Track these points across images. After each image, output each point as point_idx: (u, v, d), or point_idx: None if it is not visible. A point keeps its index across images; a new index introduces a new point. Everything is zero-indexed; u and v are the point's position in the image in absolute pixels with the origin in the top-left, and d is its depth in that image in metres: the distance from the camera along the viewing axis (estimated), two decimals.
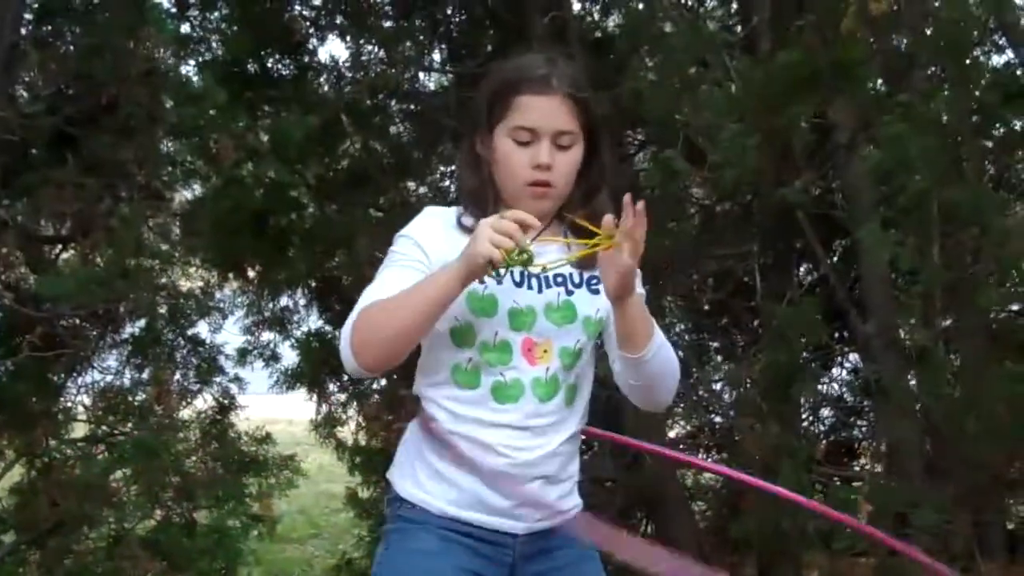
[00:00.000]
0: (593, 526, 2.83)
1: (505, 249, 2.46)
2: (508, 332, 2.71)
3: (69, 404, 6.47)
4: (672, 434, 7.40)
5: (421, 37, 7.06)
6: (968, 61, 5.85)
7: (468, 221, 2.76)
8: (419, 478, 2.81)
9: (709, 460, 7.36)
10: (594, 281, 2.74)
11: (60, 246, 6.71)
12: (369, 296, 2.66)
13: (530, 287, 2.74)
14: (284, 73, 6.84)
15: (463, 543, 2.78)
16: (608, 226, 2.51)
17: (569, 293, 2.73)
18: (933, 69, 6.28)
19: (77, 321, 6.16)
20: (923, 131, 5.30)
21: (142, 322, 6.46)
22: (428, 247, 2.74)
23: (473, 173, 2.83)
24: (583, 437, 2.99)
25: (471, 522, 2.77)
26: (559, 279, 2.73)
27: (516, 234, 2.47)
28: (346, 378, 7.24)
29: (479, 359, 2.73)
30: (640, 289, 2.80)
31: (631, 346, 2.65)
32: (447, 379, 2.77)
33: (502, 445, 2.73)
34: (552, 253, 2.71)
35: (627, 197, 2.51)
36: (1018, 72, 6.13)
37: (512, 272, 2.66)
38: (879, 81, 6.10)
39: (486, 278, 2.58)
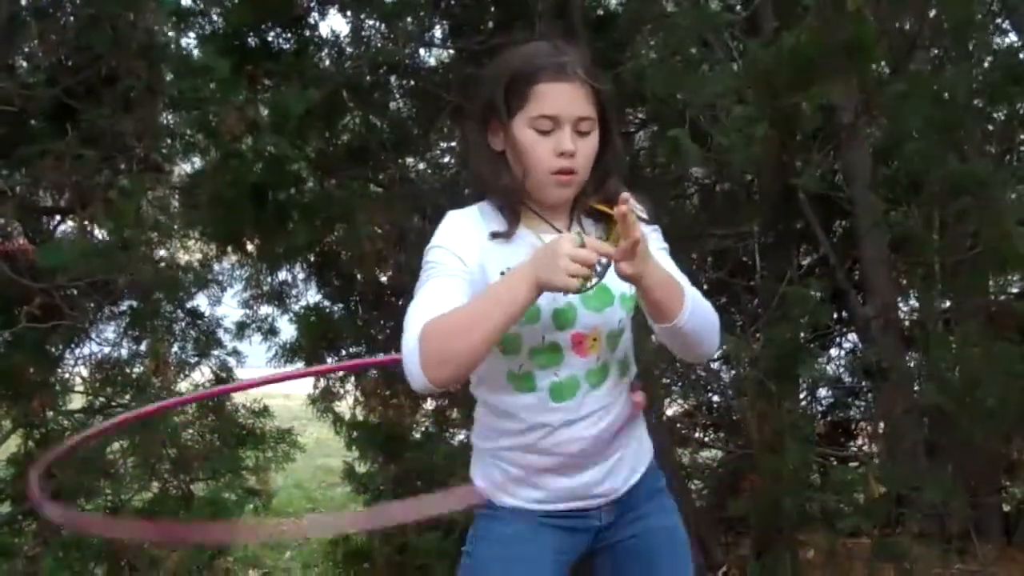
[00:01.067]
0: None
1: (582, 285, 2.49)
2: (554, 333, 2.74)
3: (67, 375, 6.47)
4: (670, 412, 7.40)
5: (422, 12, 7.02)
6: (972, 42, 5.84)
7: (503, 227, 2.78)
8: (506, 487, 2.89)
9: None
10: None
11: (59, 217, 6.70)
12: (422, 310, 2.64)
13: None
14: (285, 47, 6.80)
15: (553, 524, 2.88)
16: (623, 200, 2.48)
17: (600, 276, 2.73)
18: (936, 51, 6.28)
19: (75, 292, 6.15)
20: (925, 100, 5.30)
21: (140, 294, 6.46)
22: (464, 254, 2.74)
23: (498, 170, 2.81)
24: None
25: (560, 510, 2.88)
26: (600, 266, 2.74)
27: (592, 264, 2.48)
28: (344, 353, 7.24)
29: (530, 363, 2.75)
30: (663, 244, 2.86)
31: (661, 318, 2.65)
32: (504, 385, 2.82)
33: (570, 439, 2.80)
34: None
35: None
36: (1021, 55, 6.12)
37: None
38: (883, 63, 6.08)
39: None
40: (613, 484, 2.89)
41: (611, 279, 2.67)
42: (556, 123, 2.70)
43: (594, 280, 2.55)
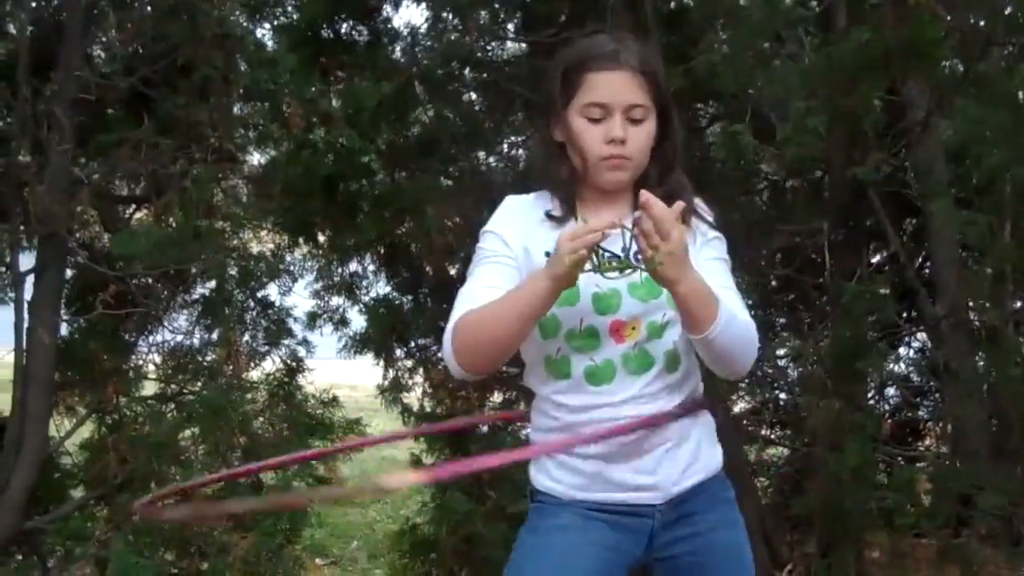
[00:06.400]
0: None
1: (603, 261, 2.54)
2: (594, 317, 2.74)
3: (140, 362, 6.54)
4: (736, 409, 7.39)
5: (496, 5, 7.04)
6: None
7: (559, 212, 2.81)
8: (550, 471, 2.90)
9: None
10: None
11: (134, 206, 6.77)
12: (465, 300, 2.71)
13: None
14: (358, 39, 6.85)
15: (601, 519, 2.84)
16: (678, 212, 2.50)
17: (625, 263, 2.75)
18: (1011, 49, 6.22)
19: (149, 280, 6.22)
20: (999, 107, 5.25)
21: (212, 283, 6.52)
22: (510, 239, 2.80)
23: (553, 160, 2.86)
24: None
25: (604, 501, 2.84)
26: (637, 257, 2.74)
27: (590, 241, 2.48)
28: (413, 344, 7.27)
29: (567, 347, 2.76)
30: (723, 255, 2.83)
31: (692, 329, 2.65)
32: (543, 371, 2.84)
33: (608, 424, 2.77)
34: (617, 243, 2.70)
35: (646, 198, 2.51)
36: None
37: (593, 259, 2.60)
38: (955, 60, 6.03)
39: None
40: (661, 480, 2.85)
41: None
42: (606, 111, 2.73)
43: (608, 259, 2.58)
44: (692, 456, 2.90)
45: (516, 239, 2.79)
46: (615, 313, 2.76)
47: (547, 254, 2.67)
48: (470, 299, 2.70)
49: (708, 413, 2.99)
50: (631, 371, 2.79)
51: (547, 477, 2.90)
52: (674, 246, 2.50)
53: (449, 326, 2.69)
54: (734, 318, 2.68)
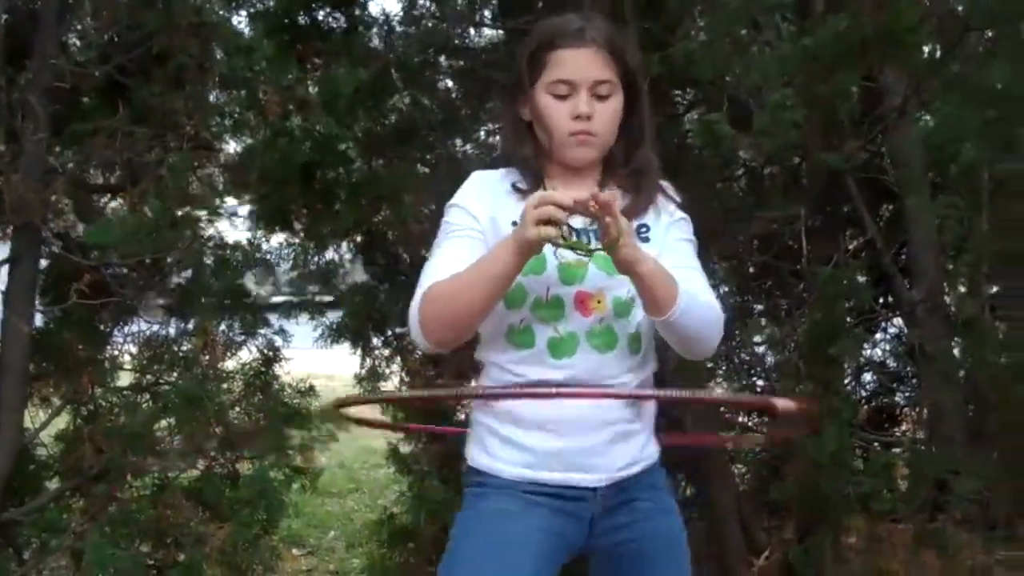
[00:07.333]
0: None
1: (559, 234, 2.51)
2: (560, 287, 2.75)
3: (115, 352, 6.50)
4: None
5: None
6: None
7: (524, 185, 2.82)
8: (491, 448, 2.89)
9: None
10: (643, 229, 2.78)
11: (109, 195, 6.73)
12: (431, 273, 2.73)
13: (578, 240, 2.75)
14: (334, 26, 6.82)
15: (543, 503, 2.83)
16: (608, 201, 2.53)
17: (585, 237, 2.77)
18: (988, 35, 6.22)
19: (124, 270, 6.18)
20: (976, 103, 5.26)
21: (188, 272, 6.49)
22: (478, 212, 2.82)
23: (522, 140, 2.89)
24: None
25: (548, 482, 2.83)
26: (595, 245, 2.75)
27: (556, 214, 2.49)
28: (390, 333, 7.25)
29: (531, 317, 2.77)
30: (689, 236, 2.85)
31: (654, 311, 2.68)
32: (503, 342, 2.83)
33: (568, 399, 2.78)
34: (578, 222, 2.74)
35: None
36: None
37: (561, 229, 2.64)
38: (933, 46, 6.02)
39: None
40: (608, 461, 2.86)
41: None
42: (572, 87, 2.77)
43: (572, 236, 2.65)
44: (639, 449, 2.93)
45: (483, 211, 2.81)
46: (580, 283, 2.78)
47: (514, 223, 2.68)
48: (436, 272, 2.71)
49: (654, 404, 3.01)
50: (594, 346, 2.80)
51: (489, 457, 2.89)
52: (624, 231, 2.53)
53: (416, 298, 2.70)
54: (695, 299, 2.72)
